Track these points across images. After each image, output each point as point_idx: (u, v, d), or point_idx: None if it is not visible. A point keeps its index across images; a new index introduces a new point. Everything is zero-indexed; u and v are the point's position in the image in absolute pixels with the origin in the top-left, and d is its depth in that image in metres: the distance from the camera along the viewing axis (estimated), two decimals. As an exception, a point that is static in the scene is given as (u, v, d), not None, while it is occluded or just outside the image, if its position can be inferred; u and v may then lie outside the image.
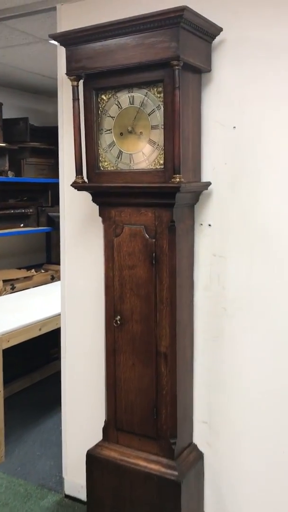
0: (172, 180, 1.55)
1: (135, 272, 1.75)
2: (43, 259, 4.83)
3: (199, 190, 1.76)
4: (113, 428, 1.92)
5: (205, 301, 1.85)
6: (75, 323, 2.20)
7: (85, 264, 2.12)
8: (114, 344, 1.85)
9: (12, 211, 4.18)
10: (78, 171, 1.77)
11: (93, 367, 2.14)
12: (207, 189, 1.77)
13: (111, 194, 1.74)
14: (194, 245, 1.84)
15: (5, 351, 2.75)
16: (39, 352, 3.82)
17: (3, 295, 3.82)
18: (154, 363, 1.77)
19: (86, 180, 1.79)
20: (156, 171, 1.63)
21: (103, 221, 1.81)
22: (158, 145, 1.63)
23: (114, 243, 1.78)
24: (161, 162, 1.62)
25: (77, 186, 1.78)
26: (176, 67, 1.49)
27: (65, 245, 2.20)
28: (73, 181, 1.78)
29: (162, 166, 1.62)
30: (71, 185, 1.79)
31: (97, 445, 1.95)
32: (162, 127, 1.60)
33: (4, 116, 4.07)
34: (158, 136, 1.62)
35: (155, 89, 1.61)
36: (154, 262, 1.70)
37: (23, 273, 4.23)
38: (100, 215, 1.81)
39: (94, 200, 1.80)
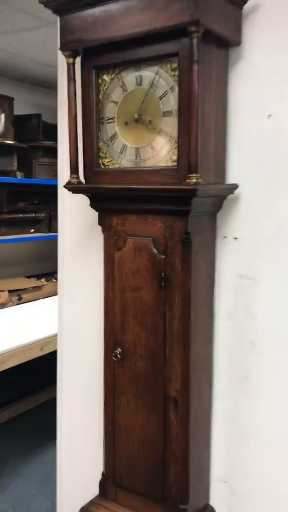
0: (187, 181, 1.23)
1: (140, 295, 1.43)
2: (55, 267, 4.55)
3: (223, 194, 1.42)
4: (111, 483, 1.60)
5: (228, 333, 1.51)
6: (74, 350, 1.89)
7: (86, 281, 1.81)
8: (113, 381, 1.53)
9: (21, 216, 3.93)
10: (73, 169, 1.46)
11: (94, 401, 1.82)
12: (233, 193, 1.43)
13: (113, 198, 1.43)
14: (215, 263, 1.50)
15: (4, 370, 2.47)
16: (46, 369, 3.53)
17: (8, 306, 3.56)
18: (162, 409, 1.44)
19: (82, 180, 1.48)
20: (168, 170, 1.30)
21: (103, 231, 1.49)
22: (171, 136, 1.31)
23: (115, 259, 1.47)
24: (174, 158, 1.30)
25: (71, 187, 1.47)
26: (195, 34, 1.17)
27: (63, 257, 1.90)
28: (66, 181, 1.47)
29: (175, 164, 1.29)
30: (64, 186, 1.48)
31: (92, 502, 1.63)
32: (177, 113, 1.27)
33: (16, 112, 3.83)
34: (171, 125, 1.30)
35: (168, 66, 1.29)
36: (163, 284, 1.38)
37: (31, 283, 3.97)
38: (99, 223, 1.50)
39: (92, 205, 1.49)
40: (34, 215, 3.95)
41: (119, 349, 1.49)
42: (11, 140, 3.61)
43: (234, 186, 1.42)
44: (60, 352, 1.94)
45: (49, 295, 3.88)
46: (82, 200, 1.64)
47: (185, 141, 1.24)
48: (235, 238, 1.47)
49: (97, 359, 1.74)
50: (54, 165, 4.07)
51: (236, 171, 1.44)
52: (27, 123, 3.84)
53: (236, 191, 1.44)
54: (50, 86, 4.25)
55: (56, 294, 3.98)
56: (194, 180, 1.22)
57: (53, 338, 2.78)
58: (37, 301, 3.74)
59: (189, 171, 1.23)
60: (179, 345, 1.39)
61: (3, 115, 3.57)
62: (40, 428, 3.15)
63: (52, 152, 4.04)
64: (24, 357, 2.61)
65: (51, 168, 4.02)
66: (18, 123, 3.78)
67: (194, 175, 1.22)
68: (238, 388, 1.52)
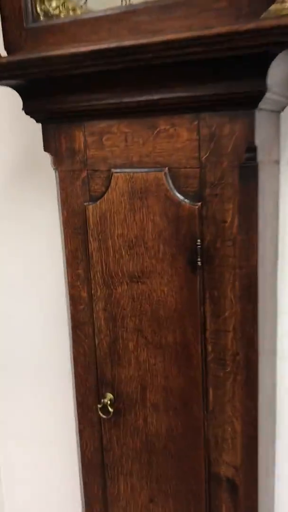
0: (274, 6, 0.51)
1: (150, 289, 0.72)
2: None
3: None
4: None
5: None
6: (16, 380, 1.17)
7: (26, 263, 1.07)
8: (101, 453, 0.83)
9: None
10: (-20, 28, 0.69)
11: (65, 475, 1.13)
12: None
13: (70, 81, 0.68)
14: (278, 215, 0.82)
15: None
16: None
17: None
18: (205, 499, 0.77)
19: (3, 53, 0.71)
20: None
21: (56, 163, 0.75)
22: None
23: (88, 217, 0.74)
24: None
25: (-22, 68, 0.70)
26: None
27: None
28: None
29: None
30: None
31: None
32: None
33: None
34: None
35: None
36: (199, 262, 0.67)
37: None
38: (46, 147, 0.75)
39: (27, 108, 0.74)
40: None
41: (110, 396, 0.78)
42: None
43: None
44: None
45: None
46: (6, 101, 0.88)
47: None
48: (315, 162, 0.79)
49: (64, 402, 1.04)
50: None
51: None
52: None
53: None
54: None
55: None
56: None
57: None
58: None
59: (276, -17, 0.51)
60: (238, 380, 0.71)
61: None
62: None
63: None
64: None
65: None
66: None
67: (291, -10, 0.50)
68: None
